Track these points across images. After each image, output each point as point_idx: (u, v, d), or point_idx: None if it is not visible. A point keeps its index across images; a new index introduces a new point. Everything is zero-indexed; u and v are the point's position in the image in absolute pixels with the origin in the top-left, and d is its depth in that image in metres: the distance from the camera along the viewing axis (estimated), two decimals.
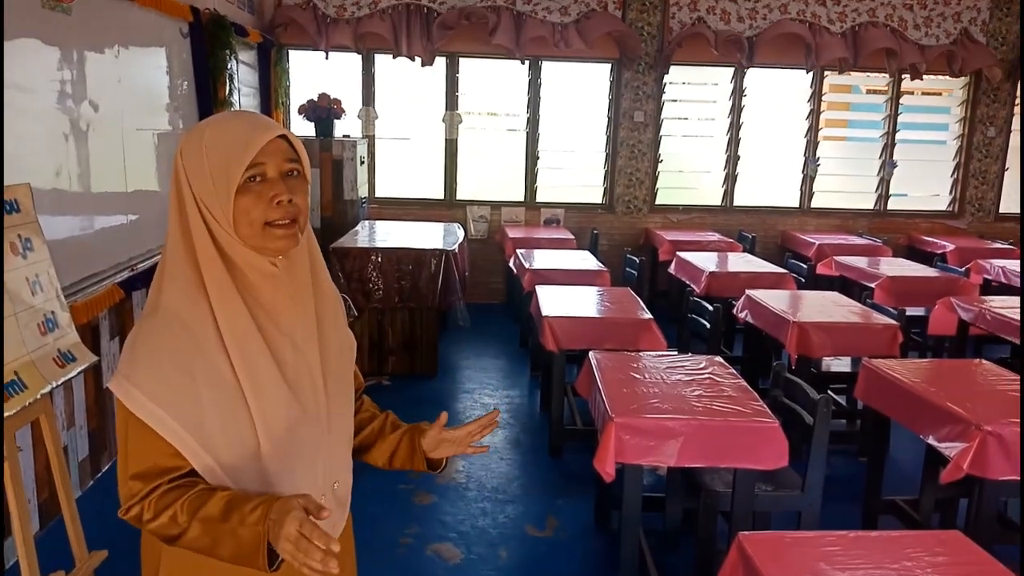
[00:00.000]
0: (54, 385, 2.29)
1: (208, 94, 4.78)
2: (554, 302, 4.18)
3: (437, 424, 1.48)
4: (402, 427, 1.53)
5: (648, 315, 3.99)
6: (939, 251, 6.75)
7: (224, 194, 1.19)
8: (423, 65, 6.64)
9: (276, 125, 1.24)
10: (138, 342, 1.20)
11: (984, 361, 3.24)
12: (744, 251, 6.42)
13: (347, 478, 1.39)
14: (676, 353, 3.40)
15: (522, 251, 5.73)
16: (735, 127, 7.21)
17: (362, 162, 6.51)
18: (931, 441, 2.70)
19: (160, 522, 1.17)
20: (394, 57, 6.63)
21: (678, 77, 7.15)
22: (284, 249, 1.24)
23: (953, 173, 7.54)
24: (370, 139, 6.97)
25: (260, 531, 1.10)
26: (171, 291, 1.21)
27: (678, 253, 5.91)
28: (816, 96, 7.23)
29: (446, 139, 7.07)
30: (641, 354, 3.27)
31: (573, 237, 6.58)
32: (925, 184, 7.71)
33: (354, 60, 6.87)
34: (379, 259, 5.02)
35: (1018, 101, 7.28)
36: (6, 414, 2.08)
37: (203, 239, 1.21)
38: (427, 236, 5.62)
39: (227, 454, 1.20)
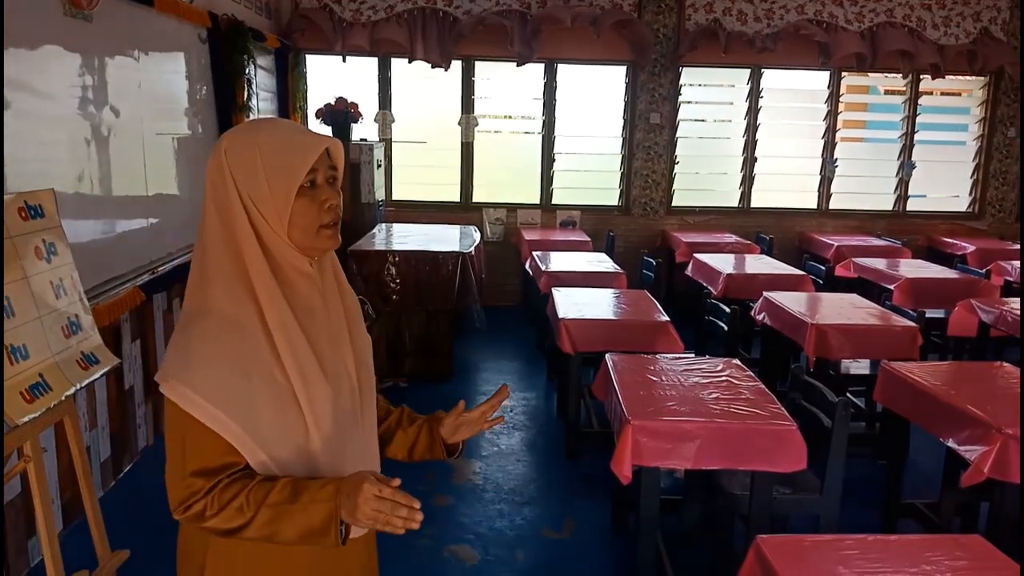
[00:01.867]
0: (78, 387, 2.32)
1: (227, 99, 4.83)
2: (570, 304, 4.18)
3: (455, 411, 1.51)
4: (419, 419, 1.56)
5: (665, 317, 3.99)
6: (959, 252, 6.69)
7: (283, 197, 1.23)
8: (434, 67, 6.66)
9: (324, 134, 1.30)
10: (192, 344, 1.22)
11: (1005, 364, 3.21)
12: (761, 253, 6.38)
13: (378, 470, 1.42)
14: (693, 355, 3.40)
15: (538, 253, 5.74)
16: (752, 129, 7.18)
17: (379, 165, 6.55)
18: (951, 444, 2.68)
19: (225, 515, 1.20)
20: (410, 61, 6.66)
21: (694, 79, 7.14)
22: (331, 248, 1.31)
23: (973, 174, 7.47)
24: (387, 142, 7.01)
25: (333, 506, 1.17)
26: (218, 292, 1.24)
27: (695, 255, 5.89)
28: (834, 97, 7.19)
29: (462, 142, 7.09)
30: (658, 356, 3.27)
31: (589, 239, 6.58)
32: (944, 185, 7.65)
33: (370, 64, 6.91)
34: (396, 262, 5.04)
35: None
36: (32, 415, 2.11)
37: (248, 239, 1.24)
38: (443, 239, 5.64)
39: (282, 451, 1.24)
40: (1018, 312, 4.17)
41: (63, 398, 2.25)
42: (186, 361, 1.21)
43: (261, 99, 5.69)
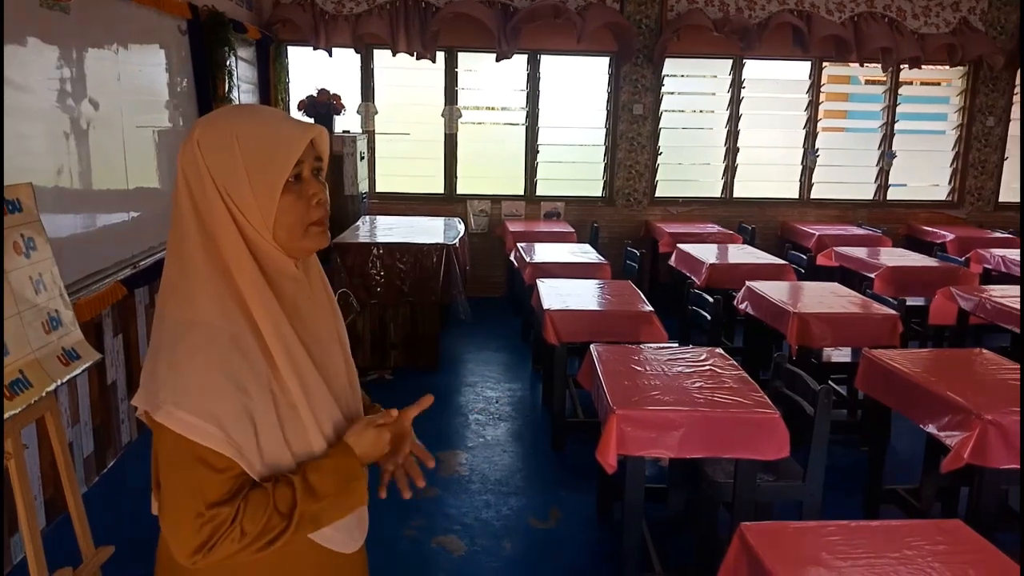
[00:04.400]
0: (59, 383, 2.30)
1: (207, 91, 4.79)
2: (555, 295, 4.19)
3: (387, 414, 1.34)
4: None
5: (649, 307, 4.00)
6: (939, 241, 6.76)
7: (267, 194, 1.13)
8: (419, 59, 6.62)
9: (308, 122, 1.20)
10: (183, 363, 1.10)
11: (984, 350, 3.25)
12: (744, 243, 6.42)
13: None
14: (677, 345, 3.42)
15: (523, 245, 5.74)
16: (734, 119, 7.21)
17: (362, 157, 6.52)
18: (932, 430, 2.71)
19: (261, 533, 1.11)
20: (393, 54, 6.62)
21: (677, 70, 7.14)
22: (322, 246, 1.23)
23: (952, 163, 7.54)
24: (370, 134, 6.97)
25: (364, 482, 1.26)
26: (202, 301, 1.13)
27: (678, 245, 5.92)
28: (815, 87, 7.23)
29: (446, 134, 7.07)
30: (642, 346, 3.28)
31: (573, 230, 6.59)
32: (924, 174, 7.72)
33: (353, 55, 6.87)
34: (380, 254, 5.03)
35: (1017, 90, 7.28)
36: (13, 412, 2.09)
37: (231, 238, 1.14)
38: (428, 231, 5.63)
39: (284, 461, 1.17)
40: (997, 299, 4.22)
41: (44, 394, 2.23)
42: (179, 383, 1.09)
43: (242, 91, 5.64)
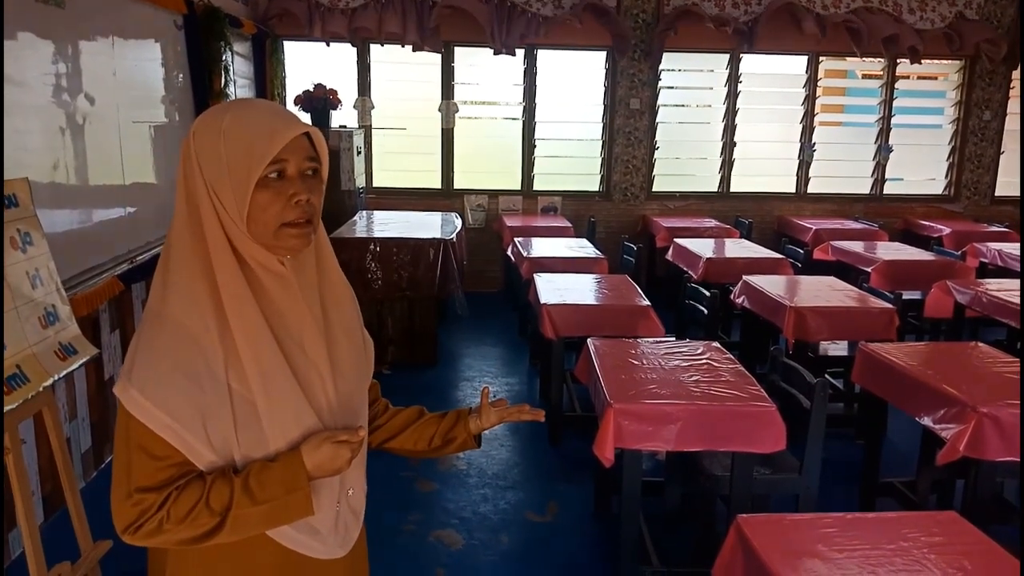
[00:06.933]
0: (56, 378, 2.30)
1: (203, 86, 4.78)
2: (552, 290, 4.19)
3: (483, 397, 1.52)
4: (446, 412, 1.54)
5: (646, 302, 4.01)
6: (935, 235, 6.78)
7: (241, 188, 1.13)
8: (415, 50, 6.60)
9: (301, 120, 1.19)
10: (141, 349, 1.15)
11: (980, 344, 3.26)
12: (741, 237, 6.43)
13: (361, 486, 1.35)
14: (674, 339, 3.42)
15: (520, 239, 5.74)
16: (731, 113, 7.21)
17: (359, 152, 6.51)
18: (928, 423, 2.72)
19: (187, 525, 1.13)
20: (396, 44, 6.59)
21: (673, 64, 7.14)
22: (297, 249, 1.20)
23: (949, 157, 7.55)
24: (366, 129, 6.97)
25: (306, 492, 1.17)
26: (175, 293, 1.15)
27: (675, 240, 5.92)
28: (812, 81, 7.22)
29: (442, 128, 7.06)
30: (639, 340, 3.29)
31: (571, 225, 6.59)
32: (921, 168, 7.73)
33: (349, 50, 6.86)
34: (377, 249, 5.03)
35: (1014, 84, 7.29)
36: (11, 406, 2.09)
37: (215, 232, 1.15)
38: (425, 226, 5.63)
39: (237, 460, 1.18)
40: (993, 293, 4.23)
41: (41, 389, 2.23)
42: (136, 365, 1.13)
43: (239, 86, 5.63)
